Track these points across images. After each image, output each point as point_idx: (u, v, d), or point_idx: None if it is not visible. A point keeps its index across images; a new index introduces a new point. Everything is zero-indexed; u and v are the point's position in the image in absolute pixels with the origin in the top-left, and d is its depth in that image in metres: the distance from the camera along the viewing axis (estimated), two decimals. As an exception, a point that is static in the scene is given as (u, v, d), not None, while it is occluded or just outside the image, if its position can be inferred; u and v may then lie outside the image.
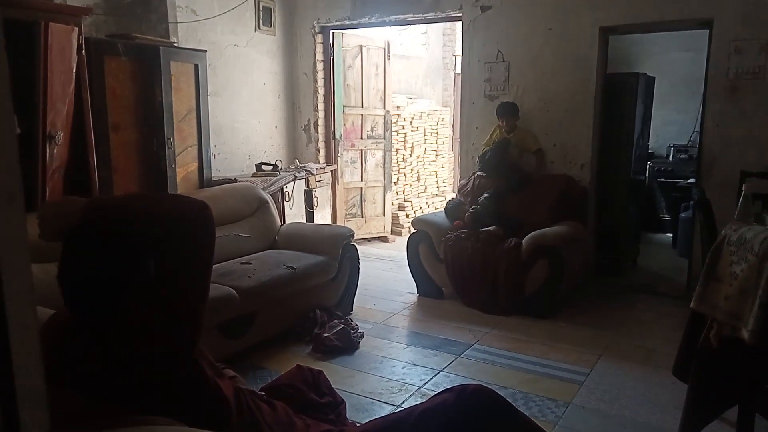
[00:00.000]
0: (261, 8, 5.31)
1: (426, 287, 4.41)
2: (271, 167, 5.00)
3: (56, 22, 2.99)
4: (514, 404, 1.69)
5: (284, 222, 4.61)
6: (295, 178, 5.06)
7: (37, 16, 2.91)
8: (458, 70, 7.60)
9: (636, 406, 2.73)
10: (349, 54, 5.82)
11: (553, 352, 3.36)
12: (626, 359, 3.26)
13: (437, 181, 7.65)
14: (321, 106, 5.83)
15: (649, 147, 5.93)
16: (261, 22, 5.34)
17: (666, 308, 4.15)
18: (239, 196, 4.03)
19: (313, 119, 5.85)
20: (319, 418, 1.81)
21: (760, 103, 3.97)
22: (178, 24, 4.45)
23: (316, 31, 5.70)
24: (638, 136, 4.97)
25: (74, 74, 3.15)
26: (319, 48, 5.74)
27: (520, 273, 3.93)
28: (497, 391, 1.68)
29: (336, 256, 3.81)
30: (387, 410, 2.67)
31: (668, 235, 6.28)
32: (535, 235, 3.96)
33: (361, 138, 6.04)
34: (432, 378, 3.04)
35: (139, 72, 3.80)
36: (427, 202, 7.08)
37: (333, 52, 5.71)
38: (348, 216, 6.02)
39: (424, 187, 7.45)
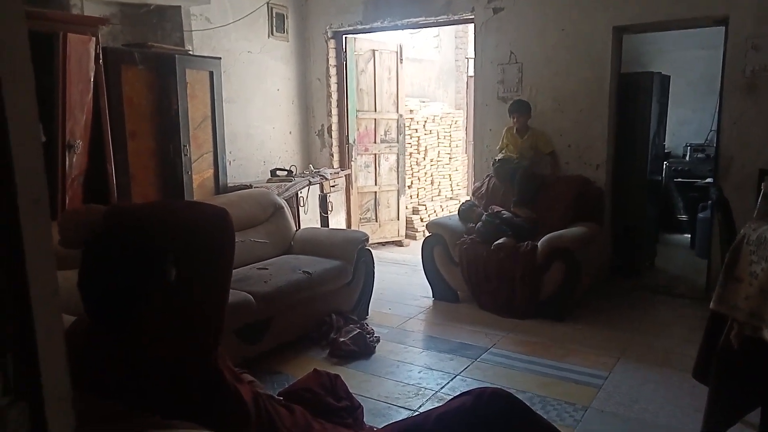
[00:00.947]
0: (274, 15, 5.36)
1: (441, 291, 4.40)
2: (285, 173, 5.04)
3: (74, 33, 3.04)
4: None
5: (299, 227, 4.63)
6: (310, 183, 5.09)
7: (55, 27, 2.96)
8: (471, 72, 7.59)
9: (656, 409, 2.70)
10: (361, 58, 5.84)
11: (570, 355, 3.33)
12: (645, 361, 3.22)
13: (451, 185, 7.63)
14: (334, 111, 5.85)
15: (666, 147, 5.87)
16: (274, 28, 5.38)
17: (685, 309, 4.10)
18: (254, 202, 4.06)
19: (326, 124, 5.87)
20: (336, 422, 1.81)
21: (778, 101, 3.92)
22: (193, 32, 4.51)
23: (329, 36, 5.73)
24: (654, 135, 4.92)
25: (92, 83, 3.20)
26: (332, 53, 5.76)
27: (536, 276, 3.91)
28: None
29: (351, 260, 3.82)
30: (403, 414, 2.66)
31: (686, 235, 6.20)
32: (551, 238, 3.93)
33: (375, 142, 6.06)
34: (448, 382, 3.02)
35: (155, 80, 3.85)
36: (441, 206, 7.07)
37: (346, 56, 5.74)
38: (362, 220, 6.03)
39: (438, 190, 7.44)
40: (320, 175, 5.24)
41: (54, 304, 0.63)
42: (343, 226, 5.85)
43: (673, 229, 6.38)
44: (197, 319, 1.31)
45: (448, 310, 4.19)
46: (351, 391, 2.12)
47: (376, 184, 6.11)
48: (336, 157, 5.92)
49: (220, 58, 4.44)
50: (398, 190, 6.27)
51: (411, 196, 6.96)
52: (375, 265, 4.03)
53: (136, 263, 1.25)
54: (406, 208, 6.60)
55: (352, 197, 5.93)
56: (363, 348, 3.36)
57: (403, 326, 3.87)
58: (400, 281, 4.89)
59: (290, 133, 5.75)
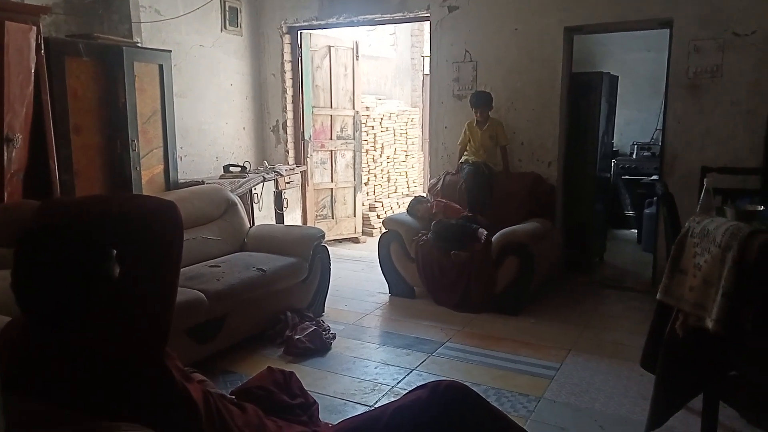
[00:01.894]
0: (227, 8, 5.25)
1: (398, 287, 4.41)
2: (239, 169, 4.94)
3: (13, 21, 2.90)
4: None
5: (253, 224, 4.56)
6: (264, 180, 5.01)
7: (-9, 14, 2.82)
8: (427, 70, 7.65)
9: (605, 399, 2.77)
10: (317, 54, 5.79)
11: (523, 348, 3.39)
12: (595, 353, 3.31)
13: (407, 182, 7.67)
14: (290, 106, 5.78)
15: (614, 145, 6.05)
16: (227, 22, 5.27)
17: (633, 302, 4.24)
18: (207, 198, 3.96)
19: (281, 120, 5.80)
20: (291, 420, 1.79)
21: (718, 101, 4.09)
22: (142, 24, 4.37)
23: (284, 31, 5.65)
24: (603, 134, 5.06)
25: (33, 75, 3.06)
26: (287, 48, 5.69)
27: (490, 271, 3.96)
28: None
29: (307, 257, 3.78)
30: (360, 410, 2.65)
31: (633, 231, 6.41)
32: (505, 233, 3.99)
33: (331, 139, 6.02)
34: (405, 377, 3.03)
35: (102, 73, 3.72)
36: (397, 203, 7.08)
37: (301, 52, 5.68)
38: (318, 217, 5.99)
39: (394, 187, 7.47)
40: (275, 172, 5.16)
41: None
42: (299, 223, 5.79)
43: (621, 224, 6.59)
44: (143, 317, 1.26)
45: (405, 306, 4.21)
46: (306, 388, 2.10)
47: (332, 181, 6.07)
48: (291, 153, 5.86)
49: (170, 51, 4.32)
50: (355, 187, 6.25)
51: (367, 193, 6.96)
52: (331, 261, 4.00)
53: (71, 261, 1.19)
54: (363, 204, 6.59)
55: (308, 194, 5.88)
56: (319, 345, 3.33)
57: (359, 322, 3.86)
58: (357, 278, 4.87)
59: (244, 128, 5.65)
